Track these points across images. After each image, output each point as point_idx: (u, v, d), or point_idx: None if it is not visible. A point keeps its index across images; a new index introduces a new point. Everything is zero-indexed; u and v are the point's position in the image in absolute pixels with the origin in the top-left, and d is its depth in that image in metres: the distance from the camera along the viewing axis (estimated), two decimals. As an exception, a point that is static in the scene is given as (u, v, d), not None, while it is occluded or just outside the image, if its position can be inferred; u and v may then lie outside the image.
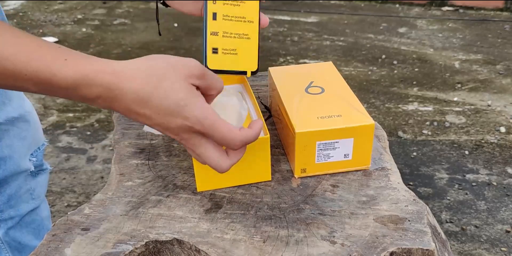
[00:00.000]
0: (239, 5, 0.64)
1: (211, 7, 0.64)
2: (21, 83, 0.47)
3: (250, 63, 0.65)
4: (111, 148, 1.89)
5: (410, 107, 2.11)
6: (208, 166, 0.53)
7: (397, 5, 3.24)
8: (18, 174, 0.83)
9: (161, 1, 0.72)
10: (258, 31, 0.65)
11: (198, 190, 0.65)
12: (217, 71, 0.63)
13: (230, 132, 0.50)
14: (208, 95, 0.53)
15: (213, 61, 0.63)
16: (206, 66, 0.62)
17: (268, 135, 0.63)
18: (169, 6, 0.72)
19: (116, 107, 0.49)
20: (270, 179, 0.67)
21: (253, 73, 0.65)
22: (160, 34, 0.81)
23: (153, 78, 0.48)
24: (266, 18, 0.65)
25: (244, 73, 0.65)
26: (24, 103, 0.85)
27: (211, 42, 0.63)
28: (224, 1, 0.64)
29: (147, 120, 0.49)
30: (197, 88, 0.51)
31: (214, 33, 0.64)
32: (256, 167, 0.65)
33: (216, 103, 0.57)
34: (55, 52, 0.47)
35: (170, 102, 0.48)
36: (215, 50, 0.64)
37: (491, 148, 1.84)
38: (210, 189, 0.65)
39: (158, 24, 0.78)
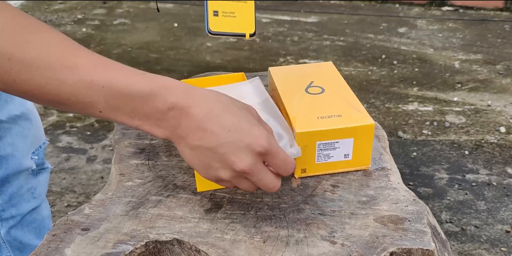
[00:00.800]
0: None
1: None
2: (93, 96, 0.47)
3: (248, 26, 0.67)
4: (111, 148, 1.89)
5: (410, 107, 2.11)
6: (263, 188, 0.54)
7: (397, 5, 3.24)
8: (20, 173, 0.84)
9: None
10: None
11: (198, 190, 0.65)
12: (218, 34, 0.65)
13: (288, 155, 0.53)
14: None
15: (215, 24, 0.65)
16: (208, 29, 0.64)
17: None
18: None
19: (185, 122, 0.49)
20: (270, 179, 0.67)
21: (251, 35, 0.67)
22: (158, 10, 0.82)
23: (223, 98, 0.50)
24: None
25: (243, 35, 0.66)
26: (25, 102, 0.85)
27: (212, 5, 0.66)
28: None
29: (213, 139, 0.49)
30: None
31: None
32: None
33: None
34: (132, 68, 0.49)
35: (241, 119, 0.49)
36: (215, 13, 0.66)
37: (491, 148, 1.84)
38: (209, 189, 0.66)
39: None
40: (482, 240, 1.44)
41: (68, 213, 0.62)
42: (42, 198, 0.92)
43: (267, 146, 0.49)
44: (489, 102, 2.12)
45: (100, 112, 0.49)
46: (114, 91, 0.47)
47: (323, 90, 0.72)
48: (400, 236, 0.56)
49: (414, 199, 0.62)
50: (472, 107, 2.10)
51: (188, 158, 0.52)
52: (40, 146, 0.90)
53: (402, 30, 2.88)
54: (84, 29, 2.98)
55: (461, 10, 3.12)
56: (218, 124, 0.48)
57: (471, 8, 3.12)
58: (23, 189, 0.85)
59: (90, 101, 0.48)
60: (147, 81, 0.48)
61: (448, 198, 1.60)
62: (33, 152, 0.87)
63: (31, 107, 0.87)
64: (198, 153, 0.50)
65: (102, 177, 1.74)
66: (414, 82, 2.30)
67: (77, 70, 0.46)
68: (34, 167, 0.87)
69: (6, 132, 0.80)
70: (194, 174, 0.67)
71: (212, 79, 0.78)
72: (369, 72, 2.40)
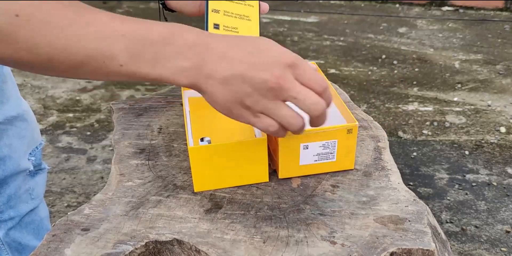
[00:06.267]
0: None
1: None
2: (114, 46, 0.47)
3: None
4: (111, 148, 1.88)
5: (410, 107, 2.11)
6: (305, 109, 0.51)
7: (397, 5, 3.24)
8: (17, 174, 0.83)
9: (162, 2, 0.72)
10: (259, 15, 0.65)
11: (195, 190, 0.65)
12: None
13: (315, 72, 0.51)
14: None
15: None
16: None
17: (265, 137, 0.63)
18: (171, 11, 0.72)
19: (208, 57, 0.48)
20: (268, 180, 0.67)
21: None
22: (166, 20, 0.81)
23: (240, 37, 0.50)
24: (265, 4, 0.66)
25: None
26: (21, 102, 0.85)
27: (212, 18, 0.63)
28: None
29: (240, 64, 0.49)
30: None
31: (215, 11, 0.64)
32: (253, 168, 0.65)
33: None
34: (148, 20, 0.49)
35: (260, 44, 0.49)
36: (216, 26, 0.63)
37: (491, 148, 1.84)
38: (207, 189, 0.66)
39: None
40: (482, 240, 1.44)
41: (68, 213, 0.62)
42: (40, 199, 0.92)
43: (294, 58, 0.49)
44: (489, 102, 2.12)
45: (121, 65, 0.47)
46: (135, 38, 0.47)
47: None
48: (400, 236, 0.56)
49: (414, 199, 0.62)
50: (472, 107, 2.10)
51: (220, 97, 0.50)
52: (36, 147, 0.90)
53: (402, 30, 2.88)
54: (84, 29, 2.98)
55: (461, 10, 3.12)
56: (240, 50, 0.49)
57: (471, 8, 3.12)
58: (21, 190, 0.85)
59: (111, 54, 0.47)
60: (166, 26, 0.48)
61: (448, 198, 1.60)
62: (30, 153, 0.87)
63: (26, 107, 0.87)
64: (229, 85, 0.49)
65: (102, 177, 1.74)
66: (414, 82, 2.30)
67: (96, 24, 0.46)
68: (32, 168, 0.87)
69: (3, 134, 0.80)
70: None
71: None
72: (369, 72, 2.40)
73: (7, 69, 0.81)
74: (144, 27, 0.48)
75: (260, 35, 0.64)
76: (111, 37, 0.47)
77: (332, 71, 2.42)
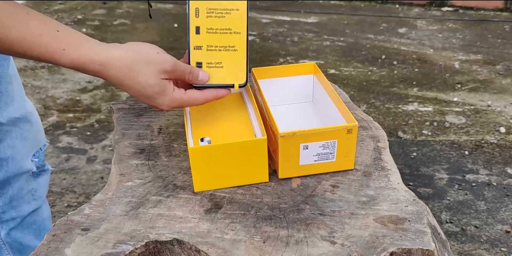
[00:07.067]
0: (224, 16, 0.63)
1: (193, 21, 0.63)
2: (29, 58, 0.58)
3: (237, 76, 0.64)
4: (111, 148, 1.88)
5: (410, 107, 2.11)
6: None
7: (397, 6, 3.24)
8: (20, 175, 0.83)
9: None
10: (246, 42, 0.64)
11: (196, 190, 0.65)
12: (202, 87, 0.64)
13: (193, 100, 0.64)
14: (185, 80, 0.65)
15: None
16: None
17: (265, 137, 0.63)
18: None
19: (110, 81, 0.60)
20: (268, 180, 0.67)
21: (241, 86, 0.65)
22: (150, 17, 0.83)
23: (133, 73, 0.60)
24: None
25: (231, 86, 0.64)
26: (25, 104, 0.85)
27: (194, 57, 0.63)
28: (208, 14, 0.63)
29: (132, 93, 0.62)
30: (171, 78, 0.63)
31: (198, 48, 0.63)
32: (253, 168, 0.65)
33: None
34: (54, 41, 0.57)
35: (146, 94, 0.61)
36: (199, 65, 0.63)
37: (491, 149, 1.84)
38: (207, 189, 0.66)
39: (150, 8, 0.82)
40: (482, 240, 1.44)
41: (68, 213, 0.62)
42: (43, 200, 0.92)
43: (169, 108, 0.63)
44: (489, 103, 2.12)
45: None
46: (45, 61, 0.58)
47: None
48: (400, 236, 0.56)
49: (414, 199, 0.62)
50: (472, 107, 2.10)
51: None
52: (40, 148, 0.89)
53: (402, 30, 2.88)
54: (84, 30, 2.98)
55: (461, 11, 3.12)
56: (129, 91, 0.61)
57: (471, 8, 3.12)
58: (23, 191, 0.85)
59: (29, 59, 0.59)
60: (68, 60, 0.57)
61: (448, 198, 1.60)
62: (34, 155, 0.87)
63: (31, 109, 0.87)
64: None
65: (102, 177, 1.74)
66: (414, 83, 2.30)
67: (8, 42, 0.55)
68: (35, 169, 0.87)
69: (6, 135, 0.79)
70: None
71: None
72: (369, 73, 2.40)
73: (13, 70, 0.81)
74: (50, 57, 0.57)
75: (248, 64, 0.65)
76: (27, 57, 0.57)
77: (332, 71, 2.43)
